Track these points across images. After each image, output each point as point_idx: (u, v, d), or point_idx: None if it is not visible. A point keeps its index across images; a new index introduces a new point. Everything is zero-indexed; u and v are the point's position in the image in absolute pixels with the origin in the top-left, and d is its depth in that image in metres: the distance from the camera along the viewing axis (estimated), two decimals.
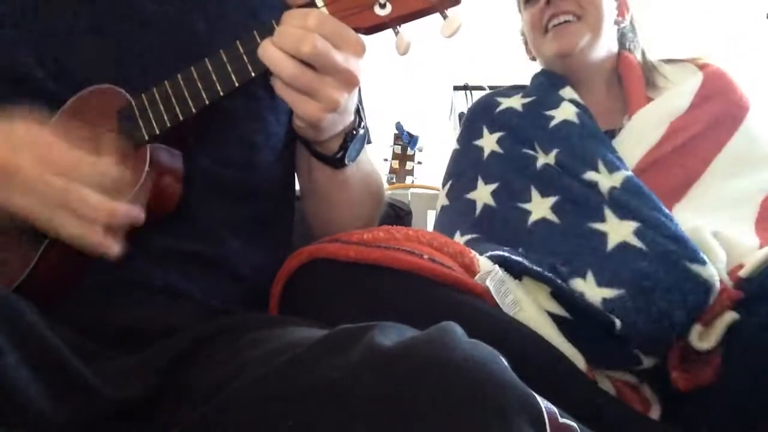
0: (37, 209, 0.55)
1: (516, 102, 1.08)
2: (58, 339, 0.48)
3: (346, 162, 0.73)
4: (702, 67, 1.05)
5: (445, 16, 0.62)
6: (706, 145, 0.96)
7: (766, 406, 0.65)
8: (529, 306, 0.73)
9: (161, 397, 0.55)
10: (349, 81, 0.62)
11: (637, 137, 0.98)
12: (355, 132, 0.72)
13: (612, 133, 1.00)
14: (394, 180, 2.10)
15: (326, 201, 0.79)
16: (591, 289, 0.76)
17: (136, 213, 0.57)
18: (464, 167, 1.08)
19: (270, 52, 0.60)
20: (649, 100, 1.03)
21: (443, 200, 1.09)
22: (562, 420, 0.41)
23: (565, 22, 1.05)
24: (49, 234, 0.57)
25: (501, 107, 1.08)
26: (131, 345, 0.59)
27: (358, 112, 0.73)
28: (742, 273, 0.71)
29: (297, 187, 0.85)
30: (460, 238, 0.97)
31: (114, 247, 0.56)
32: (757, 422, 0.66)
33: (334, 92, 0.61)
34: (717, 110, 0.98)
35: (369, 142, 0.76)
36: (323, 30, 0.59)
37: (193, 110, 0.62)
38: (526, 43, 1.19)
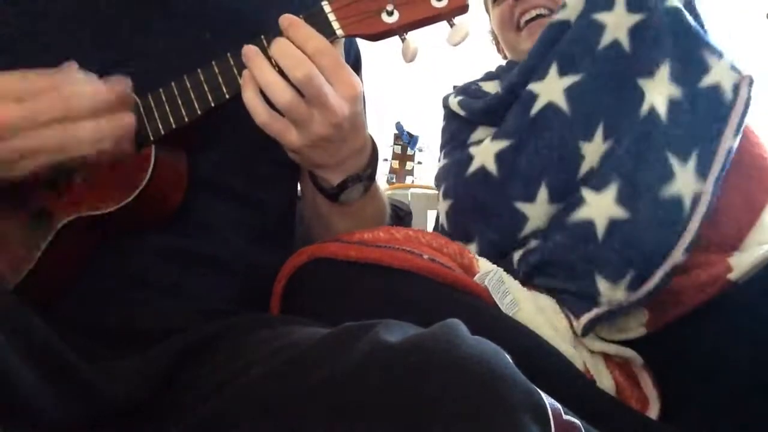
0: (42, 160, 0.56)
1: (493, 88, 1.05)
2: (59, 339, 0.48)
3: (340, 200, 0.72)
4: None
5: (452, 24, 0.62)
6: None
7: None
8: (528, 306, 0.73)
9: (163, 397, 0.55)
10: (330, 121, 0.61)
11: None
12: (359, 176, 0.71)
13: None
14: (394, 180, 2.10)
15: (325, 225, 0.79)
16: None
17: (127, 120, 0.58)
18: (452, 129, 1.05)
19: (270, 76, 0.60)
20: None
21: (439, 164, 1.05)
22: (565, 417, 0.41)
23: (538, 16, 1.02)
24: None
25: (478, 87, 1.07)
26: (132, 345, 0.59)
27: (373, 158, 0.72)
28: (732, 276, 0.70)
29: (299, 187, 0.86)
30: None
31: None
32: (759, 424, 0.66)
33: (316, 127, 0.61)
34: None
35: (371, 179, 0.74)
36: (320, 61, 0.59)
37: (199, 112, 0.62)
38: (496, 42, 1.16)
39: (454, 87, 1.12)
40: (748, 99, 0.79)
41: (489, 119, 0.95)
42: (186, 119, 0.63)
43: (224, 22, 0.74)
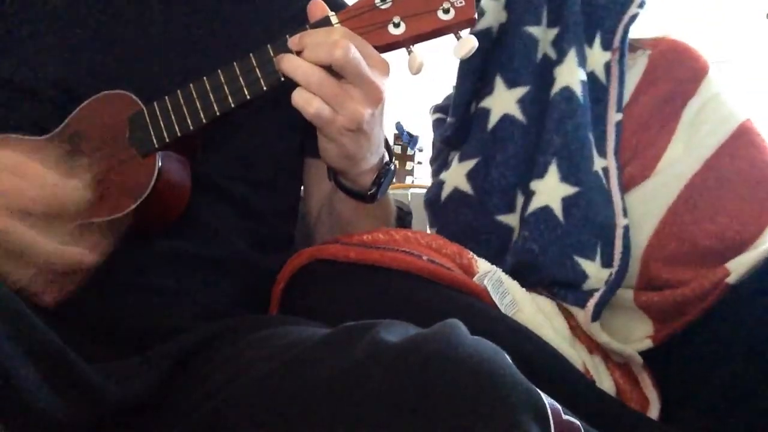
0: None
1: None
2: (59, 339, 0.48)
3: (378, 197, 0.73)
4: (654, 45, 0.90)
5: (458, 37, 0.62)
6: (653, 140, 0.86)
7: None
8: (527, 307, 0.74)
9: (164, 397, 0.55)
10: (374, 96, 0.61)
11: None
12: (387, 168, 0.73)
13: None
14: (394, 180, 2.09)
15: (343, 229, 0.79)
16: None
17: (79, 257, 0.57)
18: (438, 146, 1.06)
19: (295, 61, 0.60)
20: None
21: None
22: (565, 417, 0.41)
23: None
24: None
25: None
26: (133, 345, 0.59)
27: (387, 147, 0.73)
28: (731, 280, 0.70)
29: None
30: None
31: (48, 299, 0.56)
32: (758, 424, 0.66)
33: (358, 106, 0.61)
34: (662, 94, 0.86)
35: (395, 170, 0.76)
36: (352, 42, 0.59)
37: (204, 121, 0.62)
38: None
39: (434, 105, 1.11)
40: (621, 74, 0.86)
41: (455, 146, 0.96)
42: (191, 128, 0.62)
43: (223, 22, 0.74)
